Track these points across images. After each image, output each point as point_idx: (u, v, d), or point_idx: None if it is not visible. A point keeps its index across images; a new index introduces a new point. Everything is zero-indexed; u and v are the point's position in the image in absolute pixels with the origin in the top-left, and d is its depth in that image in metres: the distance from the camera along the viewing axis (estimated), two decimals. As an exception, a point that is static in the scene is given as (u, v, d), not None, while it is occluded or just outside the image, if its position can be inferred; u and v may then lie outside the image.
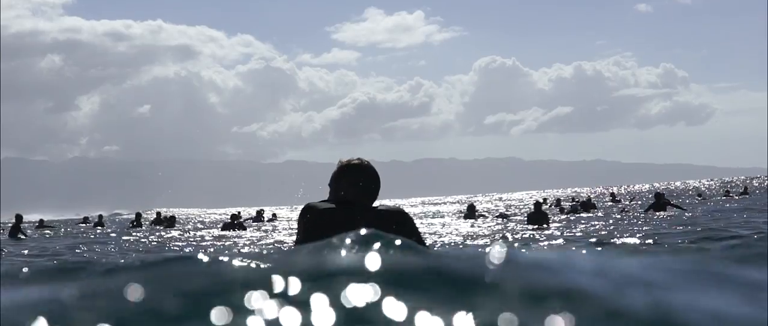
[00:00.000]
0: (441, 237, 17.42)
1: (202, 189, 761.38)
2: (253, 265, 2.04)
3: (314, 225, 4.12)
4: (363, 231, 2.31)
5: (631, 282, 2.00)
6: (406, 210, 4.46)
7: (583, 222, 22.38)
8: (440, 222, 27.06)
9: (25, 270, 2.39)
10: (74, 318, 1.70)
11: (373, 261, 1.93)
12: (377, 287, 1.74)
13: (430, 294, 1.76)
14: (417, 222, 4.50)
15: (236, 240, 20.70)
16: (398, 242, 2.25)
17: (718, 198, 41.74)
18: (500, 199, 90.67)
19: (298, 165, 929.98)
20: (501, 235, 17.46)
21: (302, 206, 4.23)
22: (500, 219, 27.76)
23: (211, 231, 28.22)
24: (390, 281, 1.80)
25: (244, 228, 27.27)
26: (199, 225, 36.44)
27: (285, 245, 17.01)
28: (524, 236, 16.61)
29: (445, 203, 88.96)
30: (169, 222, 32.54)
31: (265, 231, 26.85)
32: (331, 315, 1.64)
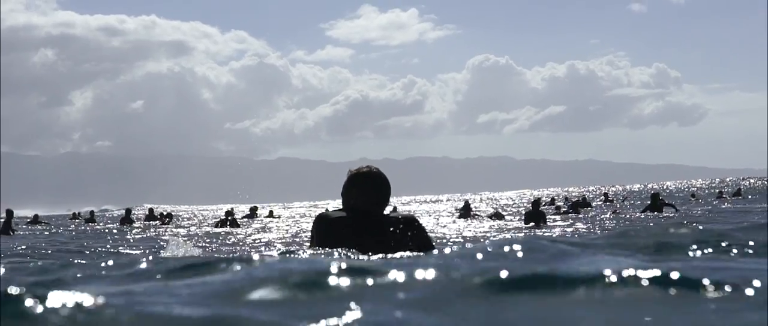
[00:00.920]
0: (443, 238, 17.20)
1: (194, 185, 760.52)
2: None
3: (327, 233, 4.34)
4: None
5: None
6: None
7: (582, 221, 22.30)
8: (436, 222, 26.86)
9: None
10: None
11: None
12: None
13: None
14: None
15: (237, 236, 20.46)
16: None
17: (711, 199, 41.78)
18: (491, 198, 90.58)
19: (290, 162, 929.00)
20: (501, 235, 17.31)
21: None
22: (496, 218, 27.61)
23: (202, 228, 28.02)
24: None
25: (238, 226, 27.07)
26: (198, 222, 36.18)
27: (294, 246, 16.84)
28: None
29: (437, 201, 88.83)
30: (167, 218, 32.45)
31: (268, 229, 26.62)
32: None
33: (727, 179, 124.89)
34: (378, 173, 4.51)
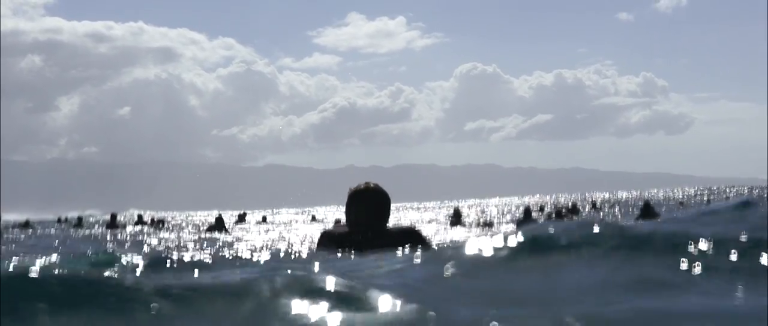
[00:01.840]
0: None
1: (181, 191, 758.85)
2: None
3: (330, 248, 4.55)
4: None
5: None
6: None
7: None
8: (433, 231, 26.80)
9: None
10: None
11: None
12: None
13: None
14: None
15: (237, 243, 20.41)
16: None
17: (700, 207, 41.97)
18: (478, 205, 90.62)
19: (277, 169, 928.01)
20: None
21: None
22: (486, 227, 27.64)
23: (193, 234, 27.96)
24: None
25: (228, 231, 27.12)
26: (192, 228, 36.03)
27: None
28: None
29: (424, 209, 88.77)
30: (160, 224, 32.58)
31: (259, 233, 26.61)
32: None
33: (714, 187, 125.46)
34: (377, 188, 4.76)
